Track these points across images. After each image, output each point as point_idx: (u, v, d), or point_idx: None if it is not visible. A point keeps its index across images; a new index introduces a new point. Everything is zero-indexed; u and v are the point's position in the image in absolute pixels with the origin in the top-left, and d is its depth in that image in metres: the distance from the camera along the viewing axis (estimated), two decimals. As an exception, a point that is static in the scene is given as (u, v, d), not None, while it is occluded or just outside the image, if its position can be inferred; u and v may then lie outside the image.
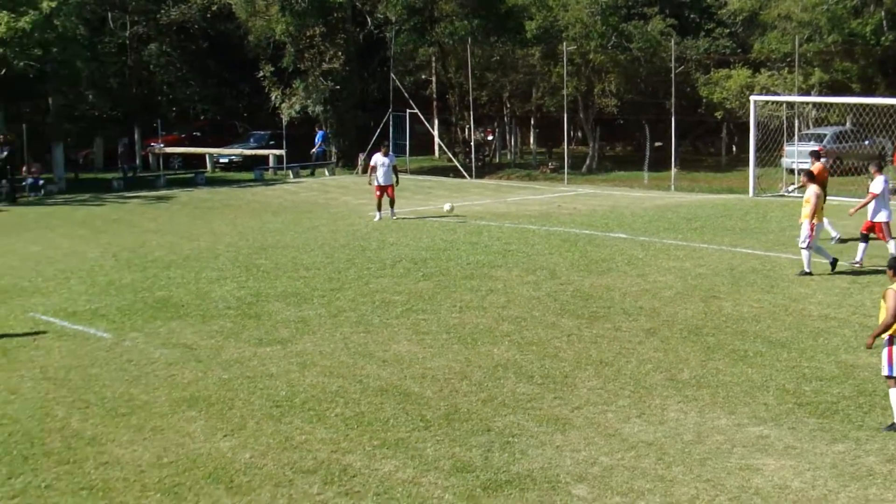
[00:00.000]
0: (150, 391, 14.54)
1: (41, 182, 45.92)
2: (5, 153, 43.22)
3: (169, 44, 63.29)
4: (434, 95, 60.05)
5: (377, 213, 32.96)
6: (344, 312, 19.36)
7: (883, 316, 12.43)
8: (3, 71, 45.38)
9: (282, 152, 55.28)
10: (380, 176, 32.84)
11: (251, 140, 60.21)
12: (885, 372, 12.58)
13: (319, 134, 56.75)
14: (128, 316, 19.31)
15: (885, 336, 12.47)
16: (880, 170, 24.13)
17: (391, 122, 54.59)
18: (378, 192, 32.99)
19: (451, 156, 55.06)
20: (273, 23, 54.31)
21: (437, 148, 61.55)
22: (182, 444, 12.35)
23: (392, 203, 33.23)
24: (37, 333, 18.02)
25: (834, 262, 22.59)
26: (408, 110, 54.00)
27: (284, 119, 55.16)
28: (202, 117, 67.18)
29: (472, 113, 53.38)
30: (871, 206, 23.60)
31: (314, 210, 37.32)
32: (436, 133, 59.71)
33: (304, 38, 54.43)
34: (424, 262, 24.64)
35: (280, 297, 20.80)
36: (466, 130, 56.28)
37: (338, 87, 54.68)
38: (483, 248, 26.69)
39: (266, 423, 13.05)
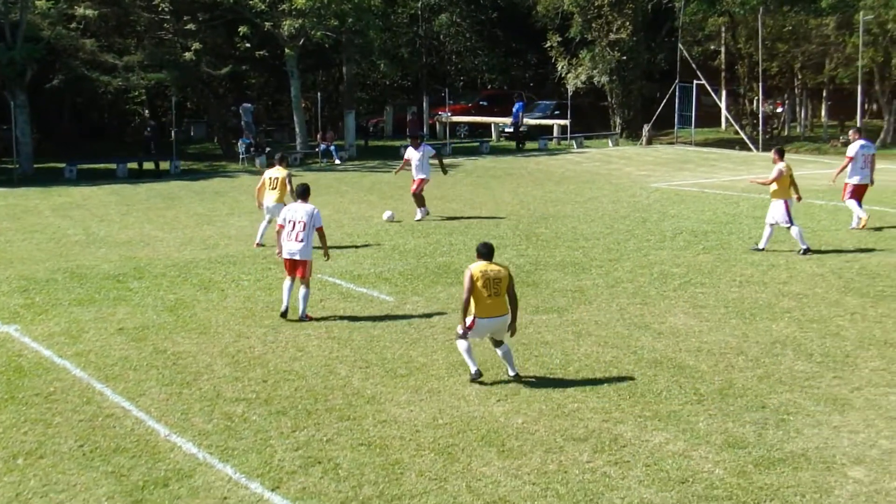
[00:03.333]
0: (428, 354, 14.93)
1: (332, 148, 47.50)
2: (148, 129, 44.71)
3: (459, 14, 64.33)
4: (722, 66, 58.91)
5: (418, 211, 28.34)
6: (621, 283, 19.34)
7: None
8: (302, 41, 47.17)
9: (566, 122, 55.44)
10: (414, 169, 28.45)
11: (536, 110, 60.55)
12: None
13: (517, 105, 56.21)
14: (410, 280, 19.86)
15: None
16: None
17: (677, 94, 53.93)
18: (413, 186, 28.41)
19: (738, 128, 53.99)
20: (562, -8, 54.47)
21: (723, 120, 60.43)
22: (457, 406, 12.64)
23: (417, 199, 28.34)
24: (324, 295, 18.75)
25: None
26: (695, 81, 53.22)
27: (570, 89, 55.26)
28: (489, 87, 68.00)
29: (761, 84, 52.13)
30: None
31: (596, 180, 37.32)
32: (723, 105, 58.58)
33: (593, 7, 54.44)
34: (705, 235, 24.34)
35: (558, 267, 20.96)
36: (755, 102, 54.99)
37: (624, 57, 54.46)
38: (767, 223, 26.15)
39: (539, 390, 13.20)
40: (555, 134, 56.23)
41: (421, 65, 62.90)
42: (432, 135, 59.60)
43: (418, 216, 27.95)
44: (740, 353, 14.71)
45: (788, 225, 22.19)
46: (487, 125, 60.05)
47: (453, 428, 11.90)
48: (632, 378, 13.65)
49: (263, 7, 45.53)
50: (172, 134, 48.26)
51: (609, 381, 13.54)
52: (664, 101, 54.80)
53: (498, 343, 13.76)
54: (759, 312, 17.01)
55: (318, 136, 49.42)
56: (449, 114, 57.41)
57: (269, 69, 57.74)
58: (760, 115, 52.82)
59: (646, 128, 54.11)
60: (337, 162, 46.46)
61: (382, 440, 11.57)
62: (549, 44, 56.14)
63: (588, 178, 38.08)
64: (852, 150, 26.04)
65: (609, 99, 57.66)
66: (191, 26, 47.91)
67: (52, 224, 28.14)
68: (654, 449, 11.21)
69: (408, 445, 11.41)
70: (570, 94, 55.43)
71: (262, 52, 50.70)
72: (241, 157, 46.81)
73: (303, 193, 17.40)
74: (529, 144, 53.94)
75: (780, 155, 22.97)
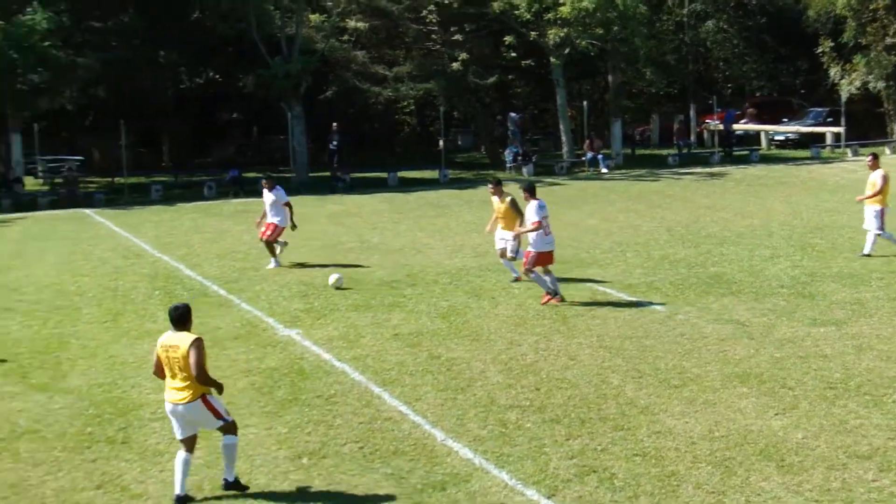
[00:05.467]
0: (701, 365, 14.71)
1: (599, 157, 47.36)
2: (335, 142, 44.39)
3: (726, 20, 63.22)
4: None
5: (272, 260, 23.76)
6: (904, 296, 18.62)
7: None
8: (567, 50, 47.29)
9: (840, 129, 53.71)
10: (268, 214, 23.89)
11: (808, 117, 58.89)
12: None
13: (728, 113, 54.75)
14: (681, 290, 19.61)
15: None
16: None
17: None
18: (262, 233, 23.96)
19: None
20: (835, -4, 52.87)
21: None
22: (733, 419, 12.40)
23: (268, 245, 23.81)
24: (594, 304, 18.74)
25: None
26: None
27: (843, 95, 53.54)
28: (757, 94, 66.56)
29: None
30: None
31: (873, 189, 36.01)
32: None
33: (867, 11, 52.57)
34: None
35: (835, 278, 20.30)
36: None
37: (901, 61, 52.43)
38: None
39: (819, 405, 12.81)
40: (828, 142, 54.55)
41: (687, 72, 62.11)
42: (700, 143, 58.75)
43: (271, 265, 23.54)
44: None
45: (879, 232, 22.33)
46: (757, 133, 58.77)
47: (730, 441, 11.68)
48: (918, 395, 13.12)
49: (529, 17, 45.85)
50: (440, 143, 49.10)
51: (894, 397, 13.03)
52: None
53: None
54: None
55: (585, 144, 49.41)
56: (717, 121, 56.42)
57: (534, 78, 58.21)
58: None
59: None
60: (603, 171, 46.31)
61: (657, 451, 11.46)
62: (820, 49, 54.54)
63: (863, 188, 36.73)
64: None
65: (885, 105, 55.56)
66: (458, 37, 48.77)
67: (327, 231, 29.09)
68: (945, 470, 10.74)
69: (683, 457, 11.27)
70: (843, 100, 53.69)
71: (527, 62, 51.16)
72: (507, 165, 47.28)
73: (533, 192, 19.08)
74: (801, 153, 52.48)
75: (877, 159, 22.83)
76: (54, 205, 38.26)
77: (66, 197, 39.71)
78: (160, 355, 10.54)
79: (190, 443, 10.64)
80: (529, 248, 18.89)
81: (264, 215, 23.79)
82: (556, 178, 44.38)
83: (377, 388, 13.99)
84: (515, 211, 20.23)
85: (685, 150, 52.62)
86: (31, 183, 44.80)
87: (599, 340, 16.15)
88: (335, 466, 11.29)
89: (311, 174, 44.54)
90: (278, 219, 23.59)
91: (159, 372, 10.68)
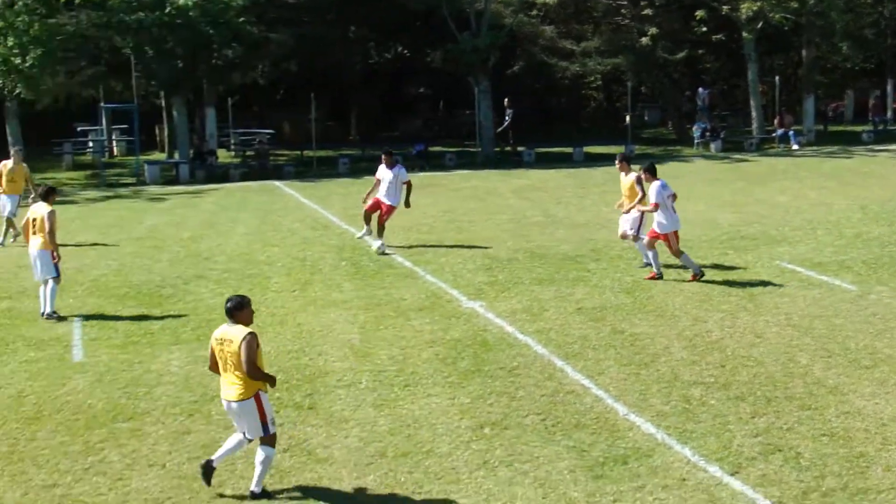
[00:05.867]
0: (894, 346, 14.28)
1: (791, 133, 46.29)
2: (508, 119, 44.02)
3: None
4: None
5: (365, 228, 23.44)
6: None
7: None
8: (760, 24, 46.29)
9: None
10: (381, 190, 22.97)
11: None
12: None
13: None
14: (874, 269, 19.07)
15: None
16: None
17: None
18: (368, 207, 23.14)
19: None
20: None
21: None
22: (927, 402, 12.05)
23: (381, 229, 22.72)
24: (782, 282, 18.36)
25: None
26: None
27: None
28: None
29: None
30: None
31: None
32: None
33: None
34: None
35: None
36: None
37: None
38: None
39: None
40: None
41: (885, 47, 60.07)
42: (896, 120, 56.93)
43: (375, 244, 22.68)
44: None
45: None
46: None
47: (926, 425, 11.35)
48: None
49: (722, -10, 45.06)
50: (627, 118, 48.66)
51: None
52: None
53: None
54: None
55: (776, 120, 48.33)
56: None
57: (725, 53, 57.12)
58: None
59: None
60: (794, 147, 45.27)
61: (846, 431, 11.19)
62: None
63: None
64: None
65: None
66: (647, 11, 48.20)
67: (512, 205, 29.14)
68: None
69: (873, 439, 10.99)
70: None
71: (718, 36, 50.23)
72: (695, 141, 46.59)
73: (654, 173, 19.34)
74: None
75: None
76: (245, 177, 39.12)
77: (256, 169, 40.61)
78: (214, 349, 10.26)
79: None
80: (659, 230, 18.66)
81: (373, 189, 23.17)
82: (746, 154, 43.54)
83: (560, 361, 13.99)
84: (639, 188, 19.73)
85: (881, 127, 51.00)
86: (224, 155, 45.95)
87: (787, 319, 15.83)
88: (517, 437, 11.34)
89: (496, 149, 44.72)
90: (393, 200, 22.81)
91: (213, 366, 10.41)
